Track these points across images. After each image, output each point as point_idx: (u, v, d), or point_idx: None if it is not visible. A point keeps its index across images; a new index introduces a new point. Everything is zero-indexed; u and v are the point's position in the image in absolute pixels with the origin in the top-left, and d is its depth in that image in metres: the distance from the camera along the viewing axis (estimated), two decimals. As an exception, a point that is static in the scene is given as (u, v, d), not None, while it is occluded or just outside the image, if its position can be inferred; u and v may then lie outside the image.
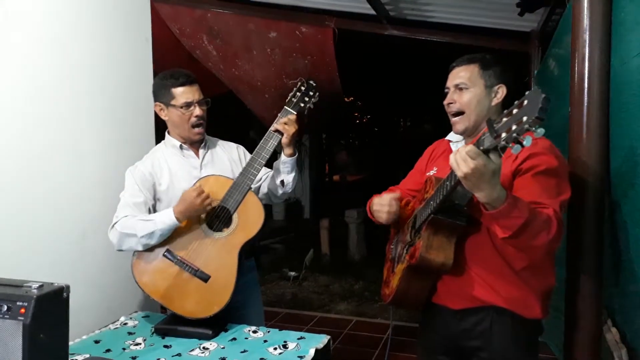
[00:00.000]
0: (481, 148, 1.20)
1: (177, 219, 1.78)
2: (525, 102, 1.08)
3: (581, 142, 1.72)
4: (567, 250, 2.02)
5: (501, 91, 1.58)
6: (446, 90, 1.63)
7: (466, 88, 1.57)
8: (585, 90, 1.67)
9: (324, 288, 5.48)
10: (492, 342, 1.53)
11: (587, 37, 1.65)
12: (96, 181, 2.14)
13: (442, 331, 1.64)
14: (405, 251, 1.63)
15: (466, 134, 1.62)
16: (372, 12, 3.73)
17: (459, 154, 1.23)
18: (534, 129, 1.05)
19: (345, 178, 13.80)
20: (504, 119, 1.13)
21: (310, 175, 9.75)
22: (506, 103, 1.59)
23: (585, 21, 1.65)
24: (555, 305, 2.95)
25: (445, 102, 1.62)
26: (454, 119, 1.61)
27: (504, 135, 1.11)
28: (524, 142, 1.08)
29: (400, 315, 4.18)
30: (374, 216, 1.74)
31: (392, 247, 1.82)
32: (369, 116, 14.52)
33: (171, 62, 3.85)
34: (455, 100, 1.59)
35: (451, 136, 1.75)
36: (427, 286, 1.61)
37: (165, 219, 1.78)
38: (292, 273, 5.70)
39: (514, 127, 1.08)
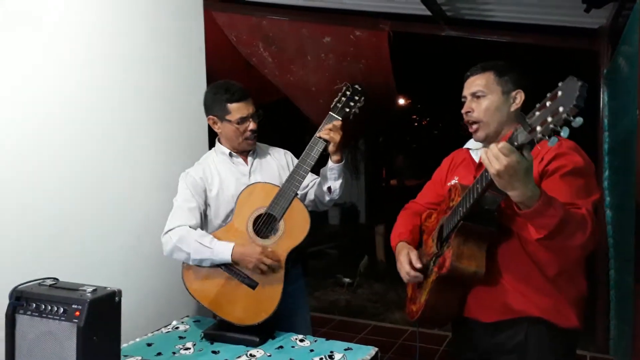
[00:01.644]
0: (515, 144, 1.17)
1: (232, 259, 1.81)
2: (560, 92, 1.05)
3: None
4: (636, 257, 1.88)
5: (519, 97, 1.56)
6: (463, 99, 1.62)
7: (483, 95, 1.56)
8: (656, 91, 1.54)
9: (378, 296, 5.39)
10: (529, 355, 1.48)
11: (657, 33, 1.51)
12: (150, 186, 2.21)
13: (475, 346, 1.60)
14: (432, 263, 1.58)
15: (487, 141, 1.59)
16: (428, 13, 3.64)
17: (491, 151, 1.20)
18: (572, 118, 1.01)
19: (403, 182, 13.58)
20: (537, 113, 1.10)
21: (366, 179, 9.67)
22: (526, 108, 1.54)
23: (656, 16, 1.51)
24: (625, 319, 2.75)
25: (463, 111, 1.60)
26: (473, 127, 1.59)
27: (539, 128, 1.08)
28: (562, 133, 1.04)
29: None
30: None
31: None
32: (428, 119, 14.23)
33: (228, 69, 3.94)
34: (473, 108, 1.58)
35: (470, 144, 1.72)
36: (457, 298, 1.57)
37: (222, 254, 1.81)
38: (347, 279, 5.65)
39: (549, 119, 1.05)
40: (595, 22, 3.42)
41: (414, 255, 1.62)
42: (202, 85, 2.54)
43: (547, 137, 1.07)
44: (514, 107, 1.57)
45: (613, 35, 3.34)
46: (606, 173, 3.31)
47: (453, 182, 1.69)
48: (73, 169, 1.91)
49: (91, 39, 1.98)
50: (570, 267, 1.47)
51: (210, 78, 2.63)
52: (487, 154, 1.22)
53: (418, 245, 1.76)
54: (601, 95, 3.47)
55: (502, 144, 1.19)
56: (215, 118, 2.00)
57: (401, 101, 9.64)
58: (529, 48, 3.72)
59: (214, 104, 1.99)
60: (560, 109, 1.02)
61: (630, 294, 2.36)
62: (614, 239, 3.20)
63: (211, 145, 2.37)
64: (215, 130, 2.04)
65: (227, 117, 1.95)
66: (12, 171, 1.72)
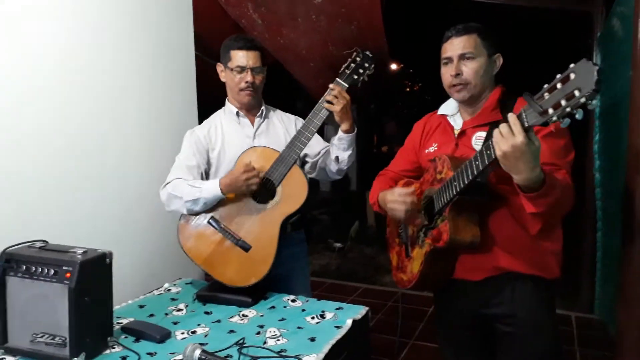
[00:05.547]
0: (526, 125, 1.16)
1: (222, 190, 1.79)
2: (573, 75, 1.04)
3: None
4: (623, 220, 1.91)
5: (499, 61, 1.58)
6: (445, 60, 1.58)
7: (472, 57, 1.54)
8: (651, 51, 1.52)
9: (369, 259, 5.48)
10: (516, 307, 1.53)
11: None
12: (141, 152, 2.19)
13: (462, 305, 1.63)
14: (422, 234, 1.59)
15: (466, 103, 1.59)
16: (421, -27, 3.56)
17: (501, 130, 1.20)
18: (589, 101, 1.01)
19: (394, 149, 13.55)
20: (547, 94, 1.09)
21: (357, 146, 9.60)
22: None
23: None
24: (610, 279, 2.81)
25: (452, 73, 1.55)
26: (458, 87, 1.55)
27: (551, 111, 1.08)
28: (577, 115, 1.04)
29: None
30: (389, 212, 1.69)
31: (400, 231, 1.77)
32: (420, 84, 14.11)
33: (217, 32, 3.85)
34: (462, 70, 1.54)
35: (444, 110, 1.70)
36: (452, 264, 1.60)
37: (211, 188, 1.80)
38: (337, 244, 5.72)
39: (564, 102, 1.05)
40: (590, -17, 3.38)
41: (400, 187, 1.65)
42: (190, 51, 2.48)
43: (560, 119, 1.07)
44: (495, 71, 1.58)
45: (607, -3, 3.30)
46: (596, 137, 3.32)
47: (431, 149, 1.68)
48: (64, 134, 1.88)
49: (76, 3, 1.91)
50: (551, 224, 1.50)
51: (198, 42, 2.57)
52: (496, 134, 1.21)
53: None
54: (594, 59, 3.45)
55: (513, 122, 1.17)
56: (222, 65, 1.98)
57: (393, 66, 9.54)
58: (523, 10, 3.67)
59: (223, 51, 1.97)
60: (577, 92, 1.02)
61: (616, 255, 2.40)
62: (602, 202, 3.24)
63: (201, 108, 2.34)
64: (222, 79, 2.00)
65: (229, 64, 1.93)
66: (0, 136, 1.69)
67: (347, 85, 1.84)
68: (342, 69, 1.86)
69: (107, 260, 1.43)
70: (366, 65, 1.86)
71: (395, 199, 1.63)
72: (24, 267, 1.38)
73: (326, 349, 1.43)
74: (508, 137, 1.18)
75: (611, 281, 2.88)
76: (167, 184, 1.87)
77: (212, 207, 1.85)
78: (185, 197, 1.81)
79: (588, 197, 3.46)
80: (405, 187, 1.65)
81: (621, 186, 2.10)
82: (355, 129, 1.91)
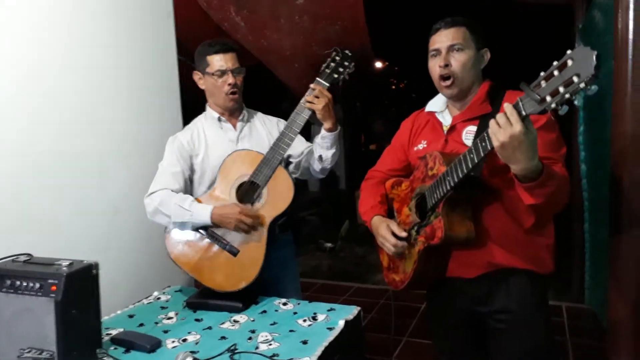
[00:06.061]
0: (523, 114, 1.15)
1: (212, 220, 1.79)
2: (570, 61, 1.04)
3: (626, 97, 1.59)
4: (611, 211, 1.92)
5: (487, 55, 1.56)
6: (433, 52, 1.55)
7: (461, 49, 1.52)
8: (630, 42, 1.54)
9: (360, 259, 5.47)
10: (511, 302, 1.52)
11: (632, -18, 1.50)
12: (125, 158, 2.16)
13: (456, 303, 1.62)
14: (414, 232, 1.56)
15: (455, 98, 1.57)
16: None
17: (498, 121, 1.19)
18: (588, 87, 1.01)
19: (383, 147, 13.55)
20: (544, 82, 1.09)
21: (345, 145, 9.62)
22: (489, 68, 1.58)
23: (630, -36, 1.50)
24: (600, 268, 2.83)
25: (441, 64, 1.52)
26: (446, 82, 1.53)
27: (549, 98, 1.08)
28: (576, 102, 1.05)
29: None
30: (378, 242, 1.68)
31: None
32: (405, 82, 14.14)
33: (199, 36, 3.82)
34: (451, 62, 1.52)
35: (432, 107, 1.68)
36: (446, 261, 1.58)
37: (202, 216, 1.79)
38: (328, 244, 5.72)
39: (562, 89, 1.04)
40: (569, -24, 3.40)
41: (395, 226, 1.60)
42: (172, 54, 2.46)
43: (559, 107, 1.07)
44: (483, 65, 1.57)
45: (588, -10, 3.33)
46: (581, 128, 3.35)
47: (421, 146, 1.66)
48: (44, 143, 1.85)
49: (54, 5, 1.88)
50: (544, 217, 1.49)
51: (181, 46, 2.55)
52: (492, 124, 1.20)
53: (389, 214, 1.74)
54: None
55: (510, 112, 1.16)
56: (199, 73, 1.96)
57: (378, 64, 9.55)
58: (503, 4, 3.70)
59: (198, 59, 1.95)
60: (575, 78, 1.02)
61: (604, 245, 2.42)
62: (589, 193, 3.27)
63: (185, 112, 2.32)
64: (201, 87, 1.99)
65: (207, 70, 1.92)
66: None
67: (327, 85, 1.84)
68: (322, 68, 1.86)
69: (94, 271, 1.41)
70: (346, 63, 1.86)
71: (388, 240, 1.60)
72: (9, 281, 1.36)
73: (319, 351, 1.42)
74: (506, 127, 1.17)
75: (600, 271, 2.91)
76: (153, 193, 1.85)
77: None
78: (173, 217, 1.80)
79: (574, 188, 3.49)
80: (400, 229, 1.60)
81: (607, 177, 2.12)
82: (339, 128, 1.90)
